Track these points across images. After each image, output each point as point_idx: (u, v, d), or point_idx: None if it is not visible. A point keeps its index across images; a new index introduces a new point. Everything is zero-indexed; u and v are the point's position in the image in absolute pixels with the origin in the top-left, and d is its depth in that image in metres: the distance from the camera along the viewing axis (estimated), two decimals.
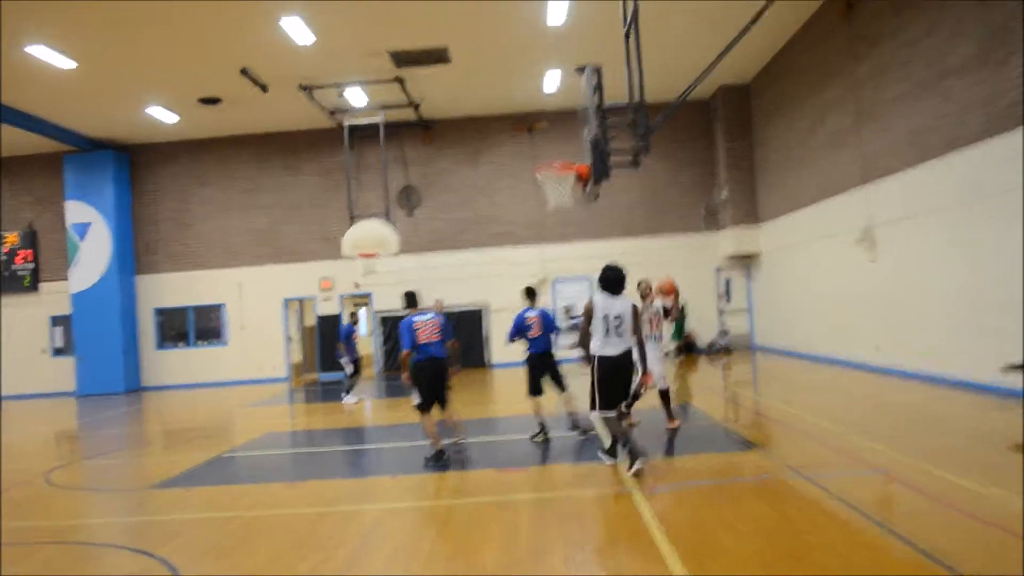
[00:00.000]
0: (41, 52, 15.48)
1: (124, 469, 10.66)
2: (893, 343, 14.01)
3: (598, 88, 9.60)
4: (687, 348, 21.93)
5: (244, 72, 17.51)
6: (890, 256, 13.89)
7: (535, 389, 10.20)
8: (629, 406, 8.27)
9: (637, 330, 7.65)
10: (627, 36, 9.89)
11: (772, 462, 7.84)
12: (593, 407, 7.65)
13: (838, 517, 5.86)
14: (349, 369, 16.29)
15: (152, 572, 5.67)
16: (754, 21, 8.71)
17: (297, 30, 15.37)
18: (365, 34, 16.03)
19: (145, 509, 8.00)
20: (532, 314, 10.19)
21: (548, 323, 10.26)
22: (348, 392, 16.26)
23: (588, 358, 7.66)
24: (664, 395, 10.12)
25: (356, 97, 19.83)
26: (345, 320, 17.76)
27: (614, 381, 7.56)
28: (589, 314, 7.57)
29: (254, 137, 23.11)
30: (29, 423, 17.04)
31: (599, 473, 7.86)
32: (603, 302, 7.54)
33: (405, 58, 17.43)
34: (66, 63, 16.14)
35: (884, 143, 13.85)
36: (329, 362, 22.19)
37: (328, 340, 22.05)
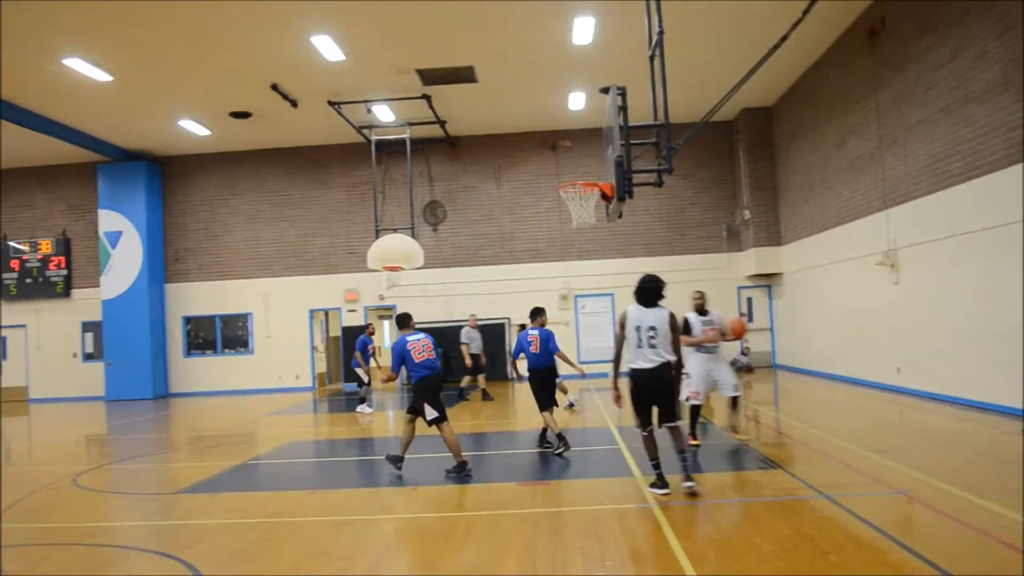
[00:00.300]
0: (78, 65, 15.86)
1: (151, 474, 10.83)
2: (914, 364, 13.94)
3: (622, 108, 9.69)
4: None
5: (275, 87, 17.82)
6: (911, 279, 13.85)
7: (543, 405, 10.33)
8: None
9: (676, 341, 7.34)
10: (652, 57, 9.99)
11: (793, 481, 7.85)
12: (637, 425, 7.49)
13: (859, 537, 5.87)
14: (365, 379, 16.60)
15: (177, 575, 5.80)
16: (778, 45, 8.79)
17: (327, 47, 15.63)
18: (394, 52, 16.27)
19: (171, 513, 8.13)
20: (533, 332, 10.56)
21: (546, 342, 10.47)
22: (364, 402, 16.52)
23: (615, 375, 7.53)
24: (695, 411, 10.10)
25: (384, 113, 20.08)
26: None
27: (648, 395, 7.30)
28: (623, 325, 7.36)
29: (283, 151, 23.44)
30: (59, 427, 17.33)
31: (620, 488, 7.91)
32: (636, 313, 7.28)
33: (432, 76, 17.66)
34: (102, 76, 16.51)
35: (906, 168, 13.83)
36: (353, 373, 22.39)
37: (352, 351, 22.25)
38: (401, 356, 9.12)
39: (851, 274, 16.41)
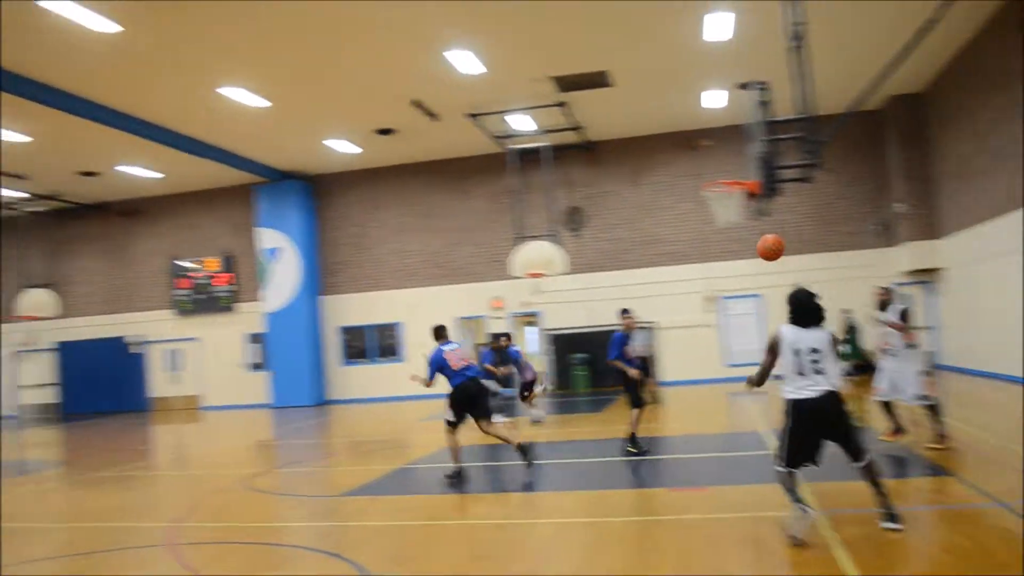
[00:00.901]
0: (236, 94, 16.92)
1: (315, 477, 11.41)
2: None
3: (764, 103, 9.46)
4: (864, 368, 20.83)
5: (416, 103, 18.40)
6: None
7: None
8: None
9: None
10: (793, 49, 9.69)
11: (966, 489, 7.40)
12: (779, 462, 6.18)
13: None
14: (493, 387, 16.50)
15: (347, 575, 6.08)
16: (928, 28, 8.34)
17: (465, 62, 16.01)
18: (529, 62, 16.48)
19: (336, 515, 8.55)
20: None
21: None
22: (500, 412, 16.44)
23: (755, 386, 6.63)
24: (933, 411, 9.52)
25: (521, 122, 20.34)
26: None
27: (816, 430, 6.07)
28: (774, 349, 6.28)
29: (426, 164, 24.14)
30: (230, 433, 18.54)
31: (778, 494, 7.66)
32: (791, 335, 6.18)
33: (567, 83, 17.75)
34: (260, 103, 17.56)
35: None
36: (501, 379, 22.88)
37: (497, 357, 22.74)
38: (438, 365, 9.58)
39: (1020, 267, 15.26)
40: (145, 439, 19.01)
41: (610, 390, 19.87)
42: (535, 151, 21.73)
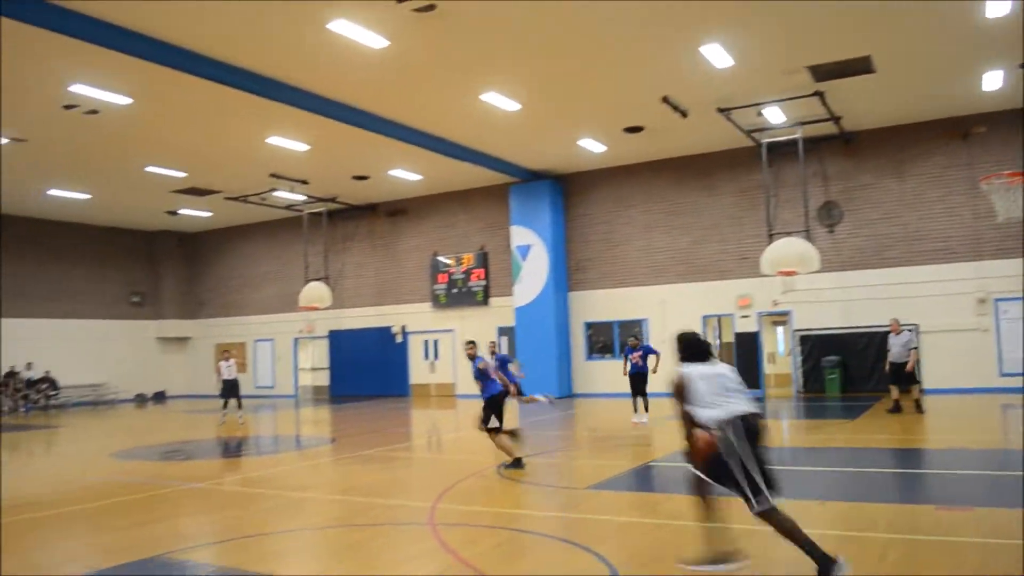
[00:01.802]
0: (492, 98, 17.80)
1: (560, 468, 11.84)
2: None
3: None
4: None
5: (665, 100, 18.34)
6: None
7: None
8: None
9: None
10: None
11: None
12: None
13: None
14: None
15: (592, 568, 6.29)
16: None
17: (716, 55, 15.73)
18: (783, 52, 15.90)
19: (581, 508, 8.83)
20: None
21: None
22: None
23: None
24: None
25: (774, 115, 19.63)
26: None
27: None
28: (685, 388, 6.14)
29: (673, 160, 23.98)
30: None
31: None
32: (698, 369, 6.20)
33: (824, 71, 16.88)
34: (512, 106, 18.35)
35: None
36: (747, 378, 22.30)
37: (745, 357, 22.23)
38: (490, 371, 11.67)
39: None
40: (405, 422, 20.57)
41: (864, 395, 18.81)
42: (787, 144, 20.88)
